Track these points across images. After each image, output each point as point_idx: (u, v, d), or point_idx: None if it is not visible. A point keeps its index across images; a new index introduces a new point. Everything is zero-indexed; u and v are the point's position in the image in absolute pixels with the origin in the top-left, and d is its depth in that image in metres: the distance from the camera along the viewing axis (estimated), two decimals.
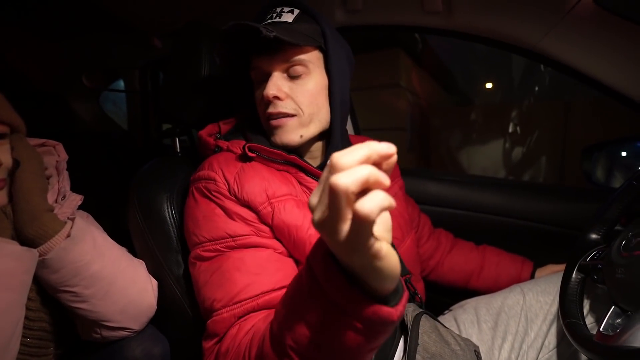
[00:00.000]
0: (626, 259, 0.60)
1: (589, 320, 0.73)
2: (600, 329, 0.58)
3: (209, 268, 0.66)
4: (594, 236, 0.77)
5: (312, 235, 0.68)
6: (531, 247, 1.09)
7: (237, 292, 0.62)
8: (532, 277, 1.00)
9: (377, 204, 0.29)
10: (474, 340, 0.82)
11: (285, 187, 0.73)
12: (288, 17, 0.73)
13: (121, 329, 0.72)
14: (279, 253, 0.69)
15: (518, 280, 0.99)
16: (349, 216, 0.31)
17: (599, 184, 1.04)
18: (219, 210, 0.69)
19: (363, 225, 0.30)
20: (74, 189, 0.75)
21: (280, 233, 0.69)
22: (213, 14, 1.28)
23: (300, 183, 0.76)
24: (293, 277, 0.46)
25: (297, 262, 0.71)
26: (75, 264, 0.65)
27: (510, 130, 2.89)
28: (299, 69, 0.72)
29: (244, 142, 0.76)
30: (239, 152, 0.76)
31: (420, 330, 0.71)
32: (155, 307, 0.76)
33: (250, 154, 0.73)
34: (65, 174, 0.74)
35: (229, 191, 0.70)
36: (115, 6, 1.38)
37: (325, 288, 0.38)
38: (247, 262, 0.64)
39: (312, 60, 0.73)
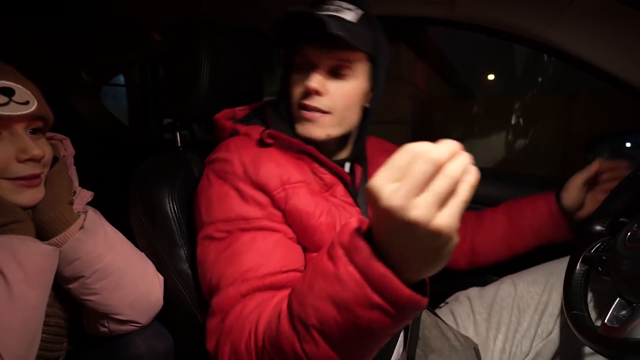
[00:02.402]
0: (632, 250, 0.60)
1: (592, 312, 0.72)
2: (605, 321, 0.58)
3: (219, 247, 0.67)
4: (598, 228, 0.76)
5: (322, 223, 0.70)
6: None
7: (245, 271, 0.62)
8: (560, 204, 0.91)
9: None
10: (471, 333, 0.83)
11: (300, 174, 0.73)
12: (349, 15, 0.71)
13: (129, 322, 0.72)
14: (289, 238, 0.70)
15: (553, 217, 0.91)
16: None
17: None
18: (233, 192, 0.70)
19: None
20: None
21: (291, 219, 0.70)
22: (212, 7, 1.27)
23: (313, 172, 0.77)
24: (315, 260, 0.47)
25: (304, 249, 0.72)
26: (88, 255, 0.66)
27: (513, 122, 2.88)
28: (345, 69, 0.73)
29: (262, 128, 0.77)
30: (257, 137, 0.76)
31: (421, 326, 0.71)
32: (162, 302, 0.77)
33: (268, 141, 0.74)
34: (73, 169, 0.75)
35: (245, 174, 0.70)
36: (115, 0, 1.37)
37: (368, 276, 0.39)
38: (257, 244, 0.66)
39: (359, 64, 0.73)
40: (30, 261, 0.59)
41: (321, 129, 0.74)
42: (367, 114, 0.79)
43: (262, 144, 0.75)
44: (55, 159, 0.69)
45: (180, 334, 0.79)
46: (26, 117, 0.61)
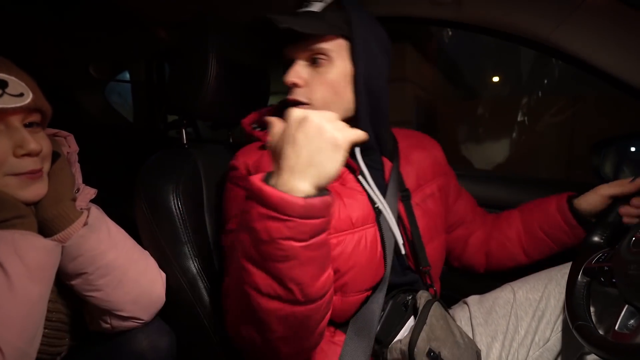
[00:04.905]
0: (637, 255, 0.59)
1: (597, 323, 0.71)
2: (616, 328, 0.57)
3: (231, 237, 0.74)
4: (596, 239, 0.78)
5: None
6: None
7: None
8: (572, 206, 0.90)
9: None
10: None
11: None
12: (316, 7, 0.75)
13: (131, 318, 0.72)
14: None
15: (563, 218, 0.89)
16: None
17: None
18: (242, 192, 0.75)
19: None
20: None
21: None
22: (220, 4, 1.27)
23: None
24: None
25: None
26: (91, 252, 0.66)
27: (518, 124, 2.87)
28: (320, 57, 0.74)
29: None
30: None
31: (430, 313, 0.73)
32: (164, 299, 0.77)
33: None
34: (77, 166, 0.74)
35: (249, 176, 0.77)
36: None
37: (253, 195, 0.50)
38: None
39: (335, 49, 0.74)
40: (32, 256, 0.59)
41: None
42: (368, 96, 0.77)
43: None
44: (57, 155, 0.69)
45: (183, 331, 0.79)
46: (21, 109, 0.60)
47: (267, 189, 0.48)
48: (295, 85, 0.75)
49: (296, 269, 0.51)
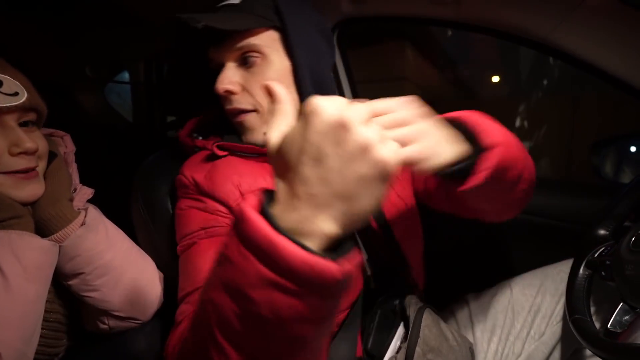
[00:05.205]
0: (636, 255, 0.59)
1: (596, 317, 0.72)
2: (608, 325, 0.57)
3: (183, 260, 0.66)
4: (602, 232, 0.76)
5: None
6: (537, 243, 1.08)
7: (200, 279, 0.59)
8: None
9: None
10: (469, 335, 0.84)
11: (263, 180, 0.68)
12: None
13: (129, 319, 0.72)
14: None
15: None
16: None
17: (608, 179, 1.03)
18: (195, 205, 0.68)
19: None
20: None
21: None
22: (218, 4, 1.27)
23: None
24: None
25: None
26: (89, 252, 0.66)
27: (517, 124, 2.87)
28: (252, 56, 0.65)
29: (218, 139, 0.72)
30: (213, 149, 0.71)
31: (422, 324, 0.71)
32: (162, 299, 0.77)
33: (220, 153, 0.69)
34: (74, 166, 0.75)
35: (201, 192, 0.68)
36: None
37: (251, 243, 0.31)
38: (212, 250, 0.62)
39: (267, 44, 0.65)
40: (29, 256, 0.59)
41: (254, 130, 0.67)
42: (315, 90, 0.67)
43: (217, 155, 0.70)
44: (53, 155, 0.69)
45: None
46: (16, 108, 0.61)
47: (285, 245, 0.30)
48: (229, 92, 0.65)
49: (299, 356, 0.36)
